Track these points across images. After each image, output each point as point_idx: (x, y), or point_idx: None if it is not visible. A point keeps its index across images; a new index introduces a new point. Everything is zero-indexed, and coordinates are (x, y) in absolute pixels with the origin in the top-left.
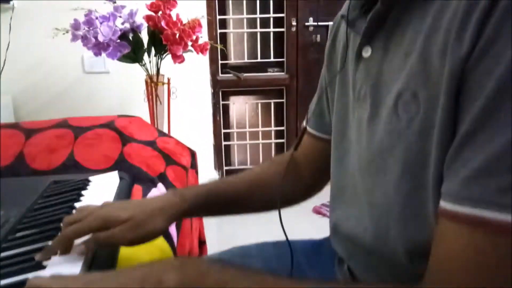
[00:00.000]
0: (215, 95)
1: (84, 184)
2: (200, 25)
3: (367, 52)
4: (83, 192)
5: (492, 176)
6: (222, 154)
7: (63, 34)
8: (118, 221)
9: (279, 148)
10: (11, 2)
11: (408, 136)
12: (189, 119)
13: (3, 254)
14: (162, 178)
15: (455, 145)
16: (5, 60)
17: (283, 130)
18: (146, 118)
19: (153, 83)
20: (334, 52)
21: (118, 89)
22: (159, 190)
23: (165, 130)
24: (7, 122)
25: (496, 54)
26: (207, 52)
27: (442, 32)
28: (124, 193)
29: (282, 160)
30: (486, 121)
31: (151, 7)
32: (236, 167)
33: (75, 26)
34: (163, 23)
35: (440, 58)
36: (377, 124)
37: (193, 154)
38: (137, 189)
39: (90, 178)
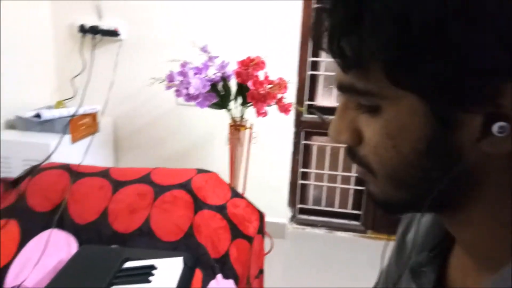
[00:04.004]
0: (297, 135)
1: (149, 274)
2: (285, 87)
3: None
4: (149, 278)
5: None
6: (297, 192)
7: (159, 83)
8: None
9: (357, 195)
10: (119, 36)
11: None
12: (269, 155)
13: None
14: (224, 260)
15: None
16: (110, 93)
17: None
18: (226, 157)
19: (236, 128)
20: (404, 250)
21: (205, 124)
22: (217, 282)
23: (243, 171)
24: (100, 168)
25: None
26: (289, 112)
27: None
28: (185, 281)
29: None
30: None
31: (242, 64)
32: (311, 206)
33: (170, 78)
34: (250, 83)
35: None
36: None
37: (261, 217)
38: (198, 277)
39: (157, 263)
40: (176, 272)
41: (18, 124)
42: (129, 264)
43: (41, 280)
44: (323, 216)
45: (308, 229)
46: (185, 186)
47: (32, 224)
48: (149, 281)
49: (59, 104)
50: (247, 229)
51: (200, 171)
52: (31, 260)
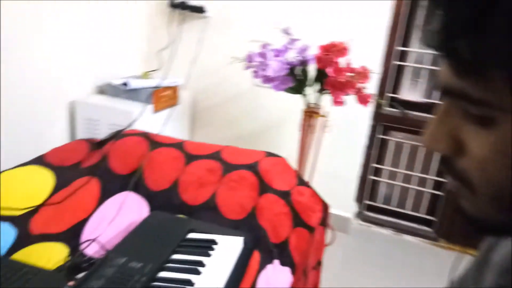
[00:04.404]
0: (374, 128)
1: (210, 248)
2: (367, 77)
3: None
4: (210, 252)
5: None
6: (366, 188)
7: (239, 62)
8: None
9: (433, 199)
10: (205, 13)
11: None
12: (340, 146)
13: None
14: (283, 246)
15: None
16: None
17: (441, 182)
18: (296, 143)
19: (310, 115)
20: (485, 268)
21: (279, 107)
22: (273, 267)
23: (312, 159)
24: (176, 140)
25: None
26: (368, 104)
27: None
28: (243, 261)
29: None
30: None
31: (323, 49)
32: (380, 204)
33: (249, 58)
34: (329, 70)
35: None
36: None
37: (326, 208)
38: (255, 259)
39: (218, 239)
40: (236, 251)
41: (107, 90)
42: (193, 235)
43: (113, 238)
44: (391, 217)
45: (374, 228)
46: (253, 168)
47: (111, 184)
48: (209, 255)
49: (146, 75)
50: (310, 219)
51: (269, 154)
52: (106, 218)
